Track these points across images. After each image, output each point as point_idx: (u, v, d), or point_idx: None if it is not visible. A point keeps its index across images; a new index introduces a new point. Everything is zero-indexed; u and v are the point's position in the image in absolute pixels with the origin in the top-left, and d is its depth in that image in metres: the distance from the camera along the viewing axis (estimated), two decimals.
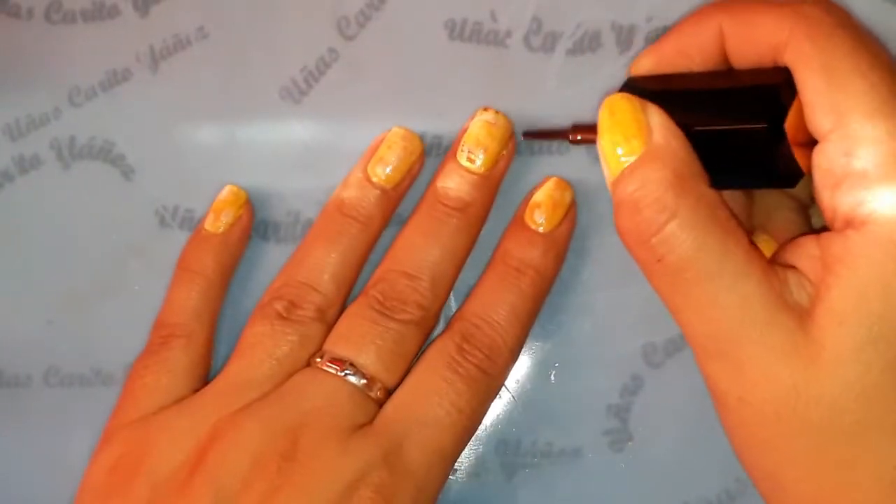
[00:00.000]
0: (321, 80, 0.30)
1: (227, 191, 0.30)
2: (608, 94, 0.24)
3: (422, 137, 0.29)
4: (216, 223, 0.30)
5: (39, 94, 0.31)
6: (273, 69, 0.31)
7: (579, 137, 0.27)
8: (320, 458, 0.24)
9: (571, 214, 0.28)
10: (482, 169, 0.28)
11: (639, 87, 0.25)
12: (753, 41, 0.23)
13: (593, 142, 0.25)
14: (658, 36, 0.29)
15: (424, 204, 0.28)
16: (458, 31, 0.30)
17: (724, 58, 0.24)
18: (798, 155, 0.22)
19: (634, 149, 0.23)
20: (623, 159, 0.23)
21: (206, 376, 0.29)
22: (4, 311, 0.31)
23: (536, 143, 0.29)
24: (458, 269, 0.28)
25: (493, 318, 0.27)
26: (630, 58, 0.29)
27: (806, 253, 0.21)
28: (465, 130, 0.28)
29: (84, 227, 0.31)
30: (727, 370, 0.22)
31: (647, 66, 0.25)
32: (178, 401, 0.27)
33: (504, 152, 0.28)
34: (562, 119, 0.29)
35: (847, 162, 0.20)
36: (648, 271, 0.23)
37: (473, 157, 0.28)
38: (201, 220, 0.30)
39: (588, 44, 0.29)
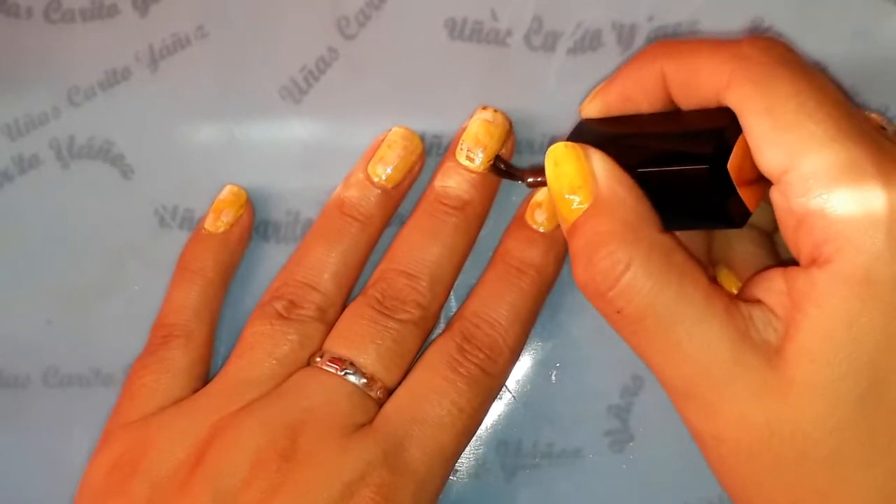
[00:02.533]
0: (321, 79, 0.30)
1: (227, 191, 0.30)
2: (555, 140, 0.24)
3: (422, 137, 0.29)
4: (216, 223, 0.29)
5: (38, 93, 0.31)
6: (273, 68, 0.31)
7: (539, 179, 0.26)
8: (320, 457, 0.24)
9: None
10: (481, 168, 0.28)
11: (588, 130, 0.25)
12: (695, 85, 0.23)
13: (545, 184, 0.25)
14: (658, 36, 0.29)
15: (424, 203, 0.28)
16: (459, 31, 0.30)
17: (670, 100, 0.24)
18: (751, 192, 0.22)
19: (584, 198, 0.23)
20: (574, 206, 0.23)
21: (205, 376, 0.29)
22: (4, 310, 0.31)
23: (537, 142, 0.29)
24: (458, 268, 0.28)
25: (493, 318, 0.27)
26: (631, 57, 0.29)
27: (773, 288, 0.21)
28: (464, 129, 0.28)
29: (83, 227, 0.31)
30: (700, 411, 0.22)
31: (594, 110, 0.26)
32: (178, 400, 0.27)
33: (503, 151, 0.28)
34: (562, 118, 0.29)
35: (804, 202, 0.20)
36: (611, 322, 0.23)
37: (473, 155, 0.28)
38: (201, 219, 0.30)
39: (589, 43, 0.29)
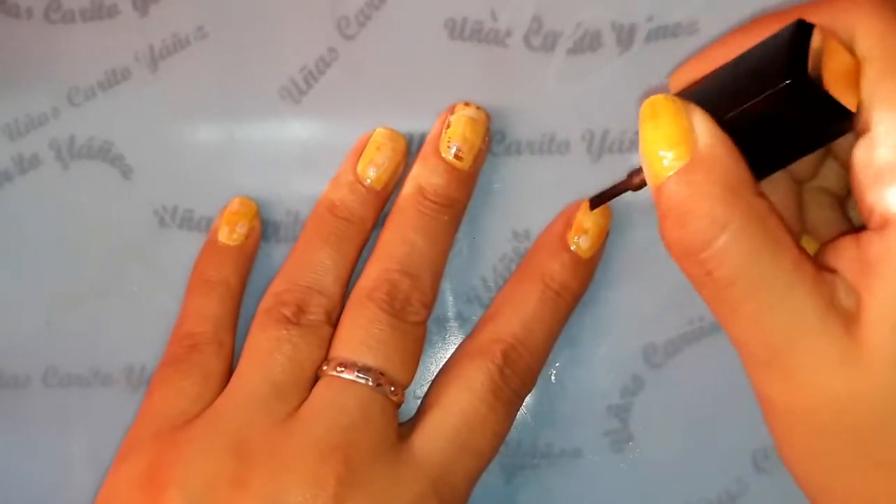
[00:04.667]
0: (321, 79, 0.30)
1: (237, 202, 0.30)
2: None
3: (421, 137, 0.29)
4: (232, 235, 0.29)
5: (38, 93, 0.31)
6: (273, 69, 0.31)
7: (643, 178, 0.25)
8: (374, 485, 0.24)
9: (606, 239, 0.29)
10: (467, 165, 0.28)
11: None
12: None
13: None
14: (658, 36, 0.29)
15: (412, 200, 0.28)
16: (459, 31, 0.30)
17: None
18: (846, 92, 0.21)
19: (680, 155, 0.21)
20: (667, 163, 0.22)
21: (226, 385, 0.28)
22: (3, 311, 0.31)
23: (537, 143, 0.29)
24: (446, 263, 0.28)
25: (533, 344, 0.27)
26: (630, 57, 0.29)
27: (846, 255, 0.21)
28: (443, 122, 0.28)
29: (83, 227, 0.31)
30: (777, 379, 0.21)
31: (682, 80, 0.24)
32: (207, 407, 0.27)
33: (483, 146, 0.28)
34: (562, 119, 0.29)
35: (888, 155, 0.20)
36: (697, 283, 0.22)
37: (461, 154, 0.28)
38: (211, 230, 0.30)
39: (588, 43, 0.29)
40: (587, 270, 0.28)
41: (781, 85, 0.21)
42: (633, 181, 0.25)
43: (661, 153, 0.22)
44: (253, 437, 0.25)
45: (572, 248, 0.28)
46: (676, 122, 0.22)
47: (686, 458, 0.29)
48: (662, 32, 0.29)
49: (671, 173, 0.21)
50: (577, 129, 0.29)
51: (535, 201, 0.29)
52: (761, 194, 0.21)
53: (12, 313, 0.31)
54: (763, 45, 0.22)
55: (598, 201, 0.27)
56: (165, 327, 0.29)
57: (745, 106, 0.21)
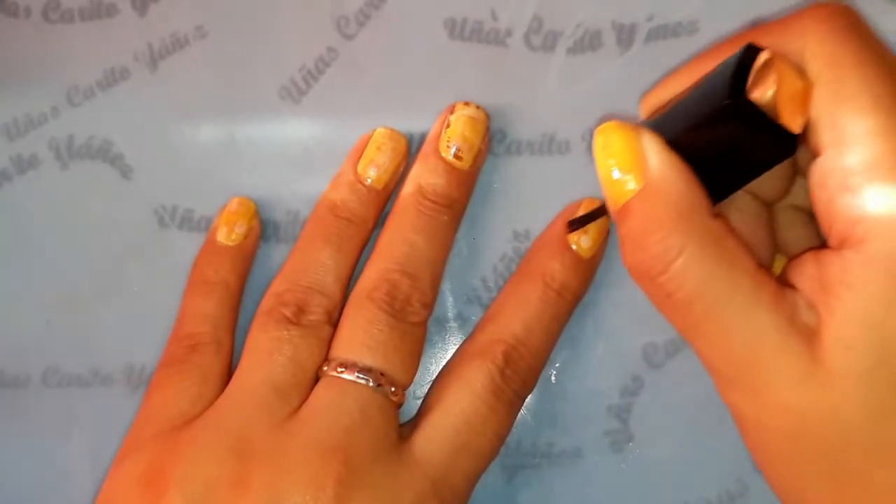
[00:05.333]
0: (320, 79, 0.30)
1: (236, 202, 0.30)
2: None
3: (421, 136, 0.29)
4: (231, 235, 0.29)
5: (37, 93, 0.31)
6: (272, 68, 0.30)
7: None
8: (375, 484, 0.24)
9: (607, 239, 0.29)
10: (467, 165, 0.28)
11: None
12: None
13: None
14: (658, 36, 0.29)
15: (412, 200, 0.28)
16: (459, 30, 0.30)
17: None
18: (791, 114, 0.21)
19: (634, 180, 0.22)
20: (622, 189, 0.22)
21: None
22: (3, 311, 0.31)
23: (537, 143, 0.29)
24: (446, 263, 0.28)
25: (534, 345, 0.27)
26: (630, 57, 0.29)
27: (806, 273, 0.21)
28: (442, 122, 0.28)
29: (82, 227, 0.31)
30: (744, 396, 0.22)
31: (651, 105, 0.25)
32: (207, 408, 0.27)
33: (483, 146, 0.28)
34: (562, 119, 0.29)
35: (839, 177, 0.20)
36: (658, 305, 0.22)
37: (461, 153, 0.28)
38: (210, 230, 0.30)
39: (589, 43, 0.29)
40: (588, 270, 0.28)
41: (721, 105, 0.21)
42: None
43: (616, 179, 0.22)
44: (253, 438, 0.25)
45: (573, 247, 0.28)
46: (628, 147, 0.22)
47: (686, 458, 0.29)
48: (663, 32, 0.29)
49: (626, 200, 0.22)
50: (577, 129, 0.29)
51: (535, 201, 0.29)
52: (717, 216, 0.22)
53: (12, 313, 0.31)
54: (717, 68, 0.22)
55: (575, 226, 0.28)
56: (165, 327, 0.29)
57: (688, 126, 0.22)
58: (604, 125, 0.23)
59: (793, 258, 0.23)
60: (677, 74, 0.24)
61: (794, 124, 0.21)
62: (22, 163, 0.31)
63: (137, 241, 0.31)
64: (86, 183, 0.31)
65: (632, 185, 0.22)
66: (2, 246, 0.31)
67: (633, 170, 0.22)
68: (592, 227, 0.28)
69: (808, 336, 0.20)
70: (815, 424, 0.20)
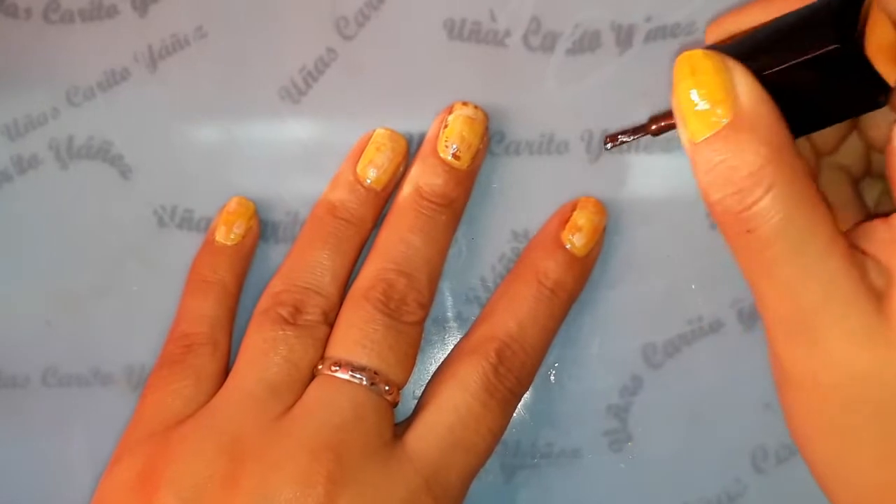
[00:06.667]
0: (320, 79, 0.30)
1: (235, 202, 0.30)
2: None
3: (421, 137, 0.29)
4: (229, 235, 0.29)
5: (37, 93, 0.31)
6: (272, 69, 0.31)
7: (664, 124, 0.25)
8: (367, 482, 0.24)
9: (602, 238, 0.29)
10: (465, 165, 0.28)
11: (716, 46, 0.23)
12: None
13: (674, 127, 0.23)
14: (657, 36, 0.29)
15: (409, 200, 0.28)
16: (457, 31, 0.30)
17: None
18: (887, 65, 0.21)
19: (722, 114, 0.21)
20: (707, 121, 0.21)
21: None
22: (3, 311, 0.31)
23: (535, 143, 0.29)
24: (444, 263, 0.28)
25: (528, 342, 0.27)
26: (629, 57, 0.29)
27: (877, 237, 0.21)
28: (441, 123, 0.28)
29: (82, 228, 0.31)
30: (802, 347, 0.21)
31: (719, 33, 0.24)
32: (201, 408, 0.27)
33: (481, 146, 0.28)
34: (561, 119, 0.29)
35: None
36: (734, 243, 0.21)
37: (459, 153, 0.28)
38: (209, 230, 0.30)
39: (587, 43, 0.29)
40: (582, 268, 0.28)
41: (828, 48, 0.20)
42: (652, 127, 0.25)
43: (701, 111, 0.21)
44: (246, 437, 0.25)
45: (567, 246, 0.28)
46: (717, 78, 0.21)
47: (685, 458, 0.29)
48: (661, 33, 0.29)
49: (713, 131, 0.21)
50: (575, 129, 0.29)
51: (534, 201, 0.29)
52: (802, 156, 0.21)
53: (11, 313, 0.31)
54: (810, 7, 0.21)
55: (613, 141, 0.26)
56: (165, 327, 0.29)
57: (785, 65, 0.21)
58: (688, 52, 0.21)
59: (858, 223, 0.22)
60: (751, 7, 0.23)
61: (889, 75, 0.21)
62: (22, 163, 0.31)
63: (137, 242, 0.31)
64: (85, 183, 0.31)
65: (720, 117, 0.21)
66: (2, 246, 0.31)
67: (724, 101, 0.21)
68: (586, 226, 0.28)
69: (878, 295, 0.20)
70: (874, 386, 0.20)
